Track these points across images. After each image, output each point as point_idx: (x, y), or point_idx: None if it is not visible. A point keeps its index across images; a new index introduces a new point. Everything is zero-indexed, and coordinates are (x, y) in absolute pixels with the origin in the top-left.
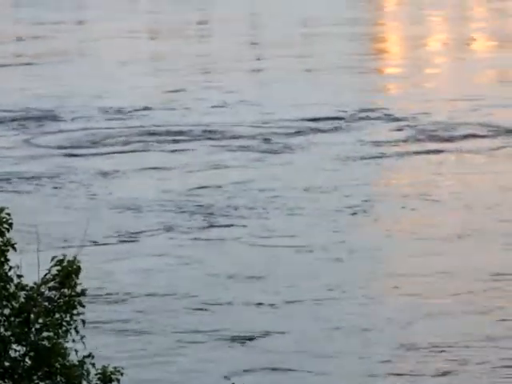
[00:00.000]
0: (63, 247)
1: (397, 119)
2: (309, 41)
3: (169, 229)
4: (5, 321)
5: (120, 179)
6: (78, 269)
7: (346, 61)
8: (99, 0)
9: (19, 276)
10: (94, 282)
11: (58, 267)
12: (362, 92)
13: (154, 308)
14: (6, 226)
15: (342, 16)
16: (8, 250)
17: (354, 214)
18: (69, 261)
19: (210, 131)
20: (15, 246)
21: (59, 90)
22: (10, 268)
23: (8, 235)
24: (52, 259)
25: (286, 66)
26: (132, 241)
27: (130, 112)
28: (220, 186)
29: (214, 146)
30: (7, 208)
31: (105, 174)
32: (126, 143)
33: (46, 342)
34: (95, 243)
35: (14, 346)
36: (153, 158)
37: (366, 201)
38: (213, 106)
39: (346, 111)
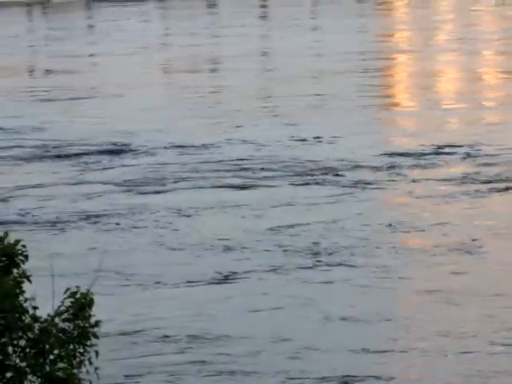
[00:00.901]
0: (156, 287)
1: (478, 155)
2: (349, 75)
3: (270, 268)
4: (20, 352)
5: (199, 216)
6: (91, 301)
7: (401, 94)
8: (130, 32)
9: (34, 307)
10: (198, 324)
11: (72, 299)
12: (436, 127)
13: (260, 349)
14: (21, 257)
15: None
16: (23, 282)
17: (467, 252)
18: (82, 293)
19: (287, 166)
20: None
21: (115, 125)
22: (26, 300)
23: (24, 266)
24: (66, 291)
25: (345, 101)
26: (231, 281)
27: (195, 147)
28: (309, 223)
29: (296, 181)
30: (22, 240)
31: (180, 212)
32: (195, 179)
33: (60, 373)
34: (195, 282)
35: (29, 377)
36: (228, 194)
37: (474, 240)
38: (289, 140)
39: (424, 146)
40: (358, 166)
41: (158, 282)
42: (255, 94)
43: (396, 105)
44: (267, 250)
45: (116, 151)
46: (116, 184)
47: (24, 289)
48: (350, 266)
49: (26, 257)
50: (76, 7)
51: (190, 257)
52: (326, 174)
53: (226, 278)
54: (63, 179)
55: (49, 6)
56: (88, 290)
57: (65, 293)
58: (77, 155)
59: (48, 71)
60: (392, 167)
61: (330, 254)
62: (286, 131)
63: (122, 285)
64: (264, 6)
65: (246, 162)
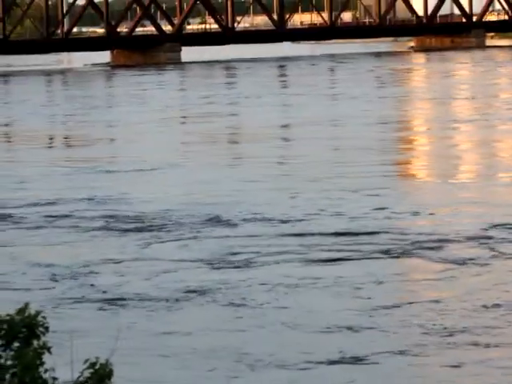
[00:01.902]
0: (277, 369)
1: None
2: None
3: (400, 350)
4: None
5: (299, 293)
6: (111, 372)
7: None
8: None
9: (54, 378)
10: None
11: (91, 370)
12: None
13: None
14: (42, 329)
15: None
16: (44, 353)
17: None
18: (102, 364)
19: (378, 239)
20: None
21: (189, 196)
22: (46, 370)
23: (44, 338)
24: (85, 362)
25: (422, 170)
26: (361, 363)
27: (279, 219)
28: (414, 302)
29: (389, 256)
30: (43, 312)
31: (276, 287)
32: (285, 252)
33: None
34: (319, 363)
35: None
36: (323, 269)
37: None
38: (373, 209)
39: None
40: (453, 240)
41: (280, 365)
42: (323, 163)
43: (486, 175)
44: (384, 331)
45: (196, 223)
46: (201, 258)
47: (44, 360)
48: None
49: (47, 328)
50: (97, 75)
51: (306, 337)
52: (424, 248)
53: (355, 361)
54: (141, 253)
55: (69, 75)
56: (107, 361)
57: (84, 363)
58: (156, 227)
59: (95, 140)
60: (490, 240)
61: (462, 332)
62: (371, 202)
63: (235, 368)
64: (283, 75)
65: (333, 234)
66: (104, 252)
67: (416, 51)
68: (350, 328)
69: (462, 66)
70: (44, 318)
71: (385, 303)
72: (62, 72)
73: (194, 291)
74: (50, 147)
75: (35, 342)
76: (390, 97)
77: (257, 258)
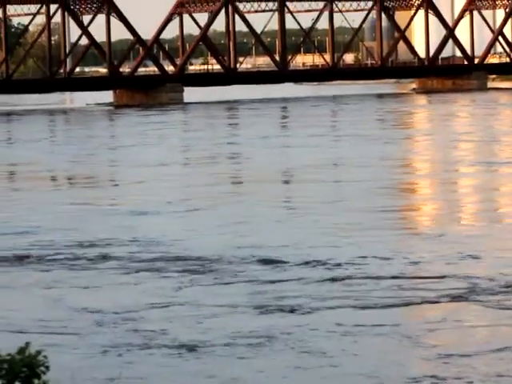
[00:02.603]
0: None
1: None
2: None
3: None
4: None
5: (367, 341)
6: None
7: None
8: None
9: None
10: None
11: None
12: None
13: None
14: (42, 368)
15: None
16: None
17: None
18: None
19: (437, 283)
20: None
21: (230, 238)
22: None
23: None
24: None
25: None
26: None
27: (329, 263)
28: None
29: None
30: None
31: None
32: (344, 297)
33: None
34: None
35: None
36: (387, 314)
37: None
38: (431, 254)
39: None
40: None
41: None
42: (359, 205)
43: None
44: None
45: (242, 265)
46: (250, 302)
47: None
48: None
49: (48, 367)
50: (100, 115)
51: None
52: (486, 293)
53: None
54: (187, 296)
55: (71, 114)
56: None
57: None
58: (201, 270)
59: (116, 181)
60: None
61: None
62: (426, 245)
63: None
64: (285, 117)
65: (387, 278)
66: (149, 295)
67: (418, 93)
68: (434, 377)
69: (464, 109)
70: (45, 357)
71: (455, 351)
72: (65, 111)
73: (248, 337)
74: (73, 187)
75: (36, 382)
76: (394, 139)
77: (309, 303)
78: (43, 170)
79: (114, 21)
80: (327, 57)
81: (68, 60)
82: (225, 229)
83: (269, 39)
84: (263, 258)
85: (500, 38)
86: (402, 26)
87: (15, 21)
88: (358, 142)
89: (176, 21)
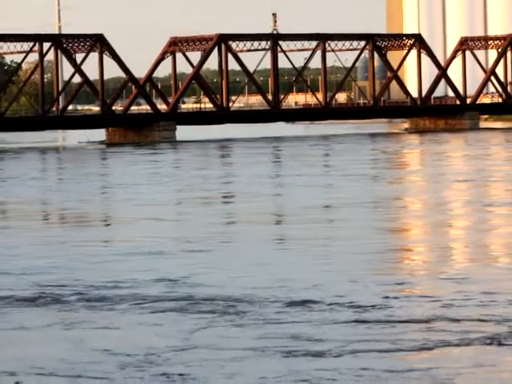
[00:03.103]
0: None
1: None
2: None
3: None
4: None
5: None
6: None
7: None
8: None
9: None
10: None
11: None
12: None
13: None
14: None
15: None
16: None
17: None
18: None
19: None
20: None
21: (255, 278)
22: None
23: None
24: None
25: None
26: None
27: (368, 306)
28: None
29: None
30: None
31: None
32: (388, 341)
33: None
34: None
35: None
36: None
37: None
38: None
39: None
40: None
41: None
42: (382, 246)
43: None
44: None
45: (269, 306)
46: (281, 345)
47: None
48: None
49: None
50: (91, 153)
51: None
52: None
53: None
54: (212, 339)
55: (63, 152)
56: None
57: None
58: (226, 311)
59: (131, 219)
60: None
61: None
62: (451, 286)
63: None
64: (278, 156)
65: (421, 321)
66: (173, 336)
67: (410, 133)
68: None
69: (456, 149)
70: None
71: None
72: (57, 149)
73: (275, 383)
74: (87, 226)
75: None
76: (387, 178)
77: (337, 346)
78: (44, 208)
79: (107, 59)
80: (320, 96)
81: (61, 98)
82: (244, 269)
83: (261, 78)
84: (287, 299)
85: (492, 78)
86: (395, 66)
87: (8, 58)
88: (352, 182)
89: (169, 59)
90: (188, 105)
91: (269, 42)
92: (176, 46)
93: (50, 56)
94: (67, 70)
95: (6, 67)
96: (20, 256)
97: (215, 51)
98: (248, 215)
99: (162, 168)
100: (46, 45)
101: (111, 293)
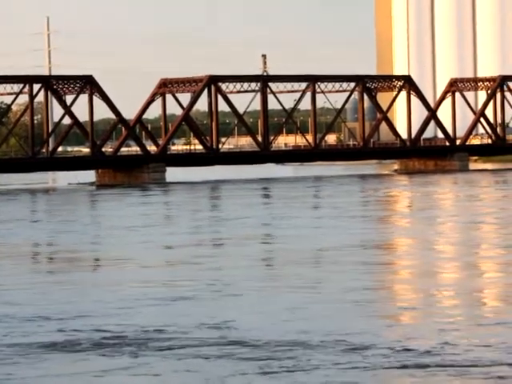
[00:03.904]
0: None
1: None
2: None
3: None
4: None
5: None
6: None
7: None
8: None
9: None
10: None
11: None
12: None
13: None
14: None
15: None
16: None
17: None
18: None
19: None
20: None
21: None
22: None
23: None
24: None
25: None
26: None
27: (414, 350)
28: None
29: None
30: None
31: None
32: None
33: None
34: None
35: None
36: None
37: None
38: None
39: None
40: None
41: None
42: (401, 289)
43: None
44: None
45: (317, 352)
46: None
47: None
48: None
49: None
50: (83, 194)
51: None
52: None
53: None
54: None
55: (54, 194)
56: None
57: None
58: (272, 356)
59: (156, 262)
60: None
61: None
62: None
63: None
64: (268, 198)
65: (473, 366)
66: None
67: (400, 174)
68: None
69: (446, 190)
70: None
71: None
72: (47, 191)
73: None
74: (112, 269)
75: None
76: (377, 220)
77: None
78: (62, 251)
79: (97, 100)
80: (309, 137)
81: (51, 139)
82: (282, 313)
83: (251, 119)
84: (336, 343)
85: (482, 119)
86: (385, 107)
87: None
88: (344, 224)
89: (159, 101)
90: (178, 146)
91: (258, 84)
92: (166, 87)
93: (40, 97)
94: (57, 111)
95: None
96: (57, 301)
97: (205, 93)
98: (269, 257)
99: (161, 210)
100: (36, 86)
101: (154, 336)
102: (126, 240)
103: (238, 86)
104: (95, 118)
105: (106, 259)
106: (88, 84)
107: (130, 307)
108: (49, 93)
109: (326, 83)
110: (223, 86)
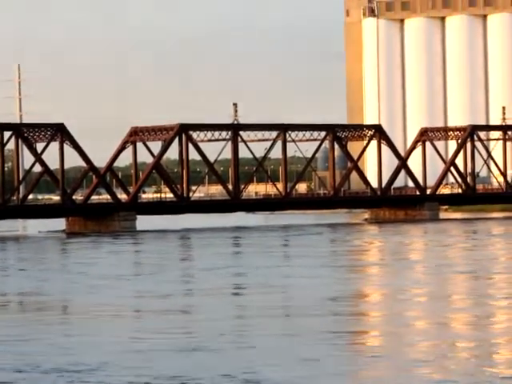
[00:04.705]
0: None
1: None
2: None
3: None
4: None
5: None
6: None
7: None
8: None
9: None
10: None
11: None
12: None
13: None
14: None
15: None
16: None
17: None
18: None
19: None
20: None
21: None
22: None
23: None
24: None
25: None
26: None
27: None
28: None
29: None
30: None
31: None
32: None
33: None
34: None
35: None
36: None
37: None
38: None
39: None
40: None
41: None
42: (413, 338)
43: None
44: None
45: None
46: None
47: None
48: None
49: None
50: (55, 243)
51: None
52: None
53: None
54: None
55: (24, 241)
56: None
57: None
58: None
59: (156, 311)
60: None
61: None
62: None
63: None
64: (238, 247)
65: None
66: None
67: (370, 223)
68: None
69: (416, 240)
70: None
71: None
72: (17, 239)
73: None
74: (117, 320)
75: None
76: (344, 270)
77: None
78: (59, 300)
79: (68, 148)
80: (280, 186)
81: (21, 187)
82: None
83: (222, 168)
84: None
85: (452, 168)
86: (355, 156)
87: None
88: (315, 273)
89: (129, 149)
90: (148, 194)
91: (229, 132)
92: (137, 135)
93: (11, 145)
94: (28, 159)
95: None
96: (76, 354)
97: (176, 141)
98: (262, 307)
99: (133, 259)
100: (7, 134)
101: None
102: (119, 289)
103: (209, 134)
104: (66, 166)
105: (105, 310)
106: (59, 132)
107: (144, 359)
108: (19, 140)
109: (296, 132)
110: (194, 135)
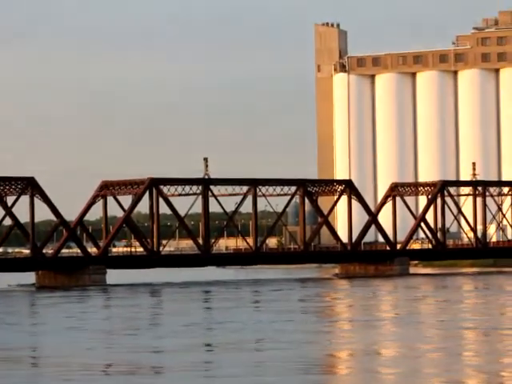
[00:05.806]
0: None
1: None
2: None
3: None
4: None
5: None
6: None
7: None
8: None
9: None
10: None
11: None
12: None
13: None
14: None
15: None
16: None
17: None
18: None
19: None
20: None
21: None
22: None
23: None
24: None
25: None
26: None
27: None
28: None
29: None
30: None
31: None
32: None
33: None
34: None
35: None
36: None
37: None
38: None
39: None
40: None
41: None
42: None
43: None
44: None
45: None
46: None
47: None
48: None
49: None
50: (21, 296)
51: None
52: None
53: None
54: None
55: None
56: None
57: None
58: None
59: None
60: None
61: None
62: None
63: None
64: (207, 302)
65: None
66: None
67: (340, 278)
68: None
69: (385, 295)
70: None
71: None
72: None
73: None
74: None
75: None
76: (314, 326)
77: None
78: (58, 356)
79: (38, 202)
80: (250, 240)
81: None
82: None
83: (192, 222)
84: None
85: (422, 224)
86: (325, 211)
87: None
88: (284, 328)
89: (100, 203)
90: (119, 248)
91: (200, 187)
92: (107, 189)
93: None
94: None
95: None
96: None
97: (146, 195)
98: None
99: (86, 315)
100: None
101: None
102: (115, 344)
103: (180, 188)
104: (36, 220)
105: (113, 365)
106: (29, 185)
107: None
108: None
109: (267, 187)
110: (165, 189)
